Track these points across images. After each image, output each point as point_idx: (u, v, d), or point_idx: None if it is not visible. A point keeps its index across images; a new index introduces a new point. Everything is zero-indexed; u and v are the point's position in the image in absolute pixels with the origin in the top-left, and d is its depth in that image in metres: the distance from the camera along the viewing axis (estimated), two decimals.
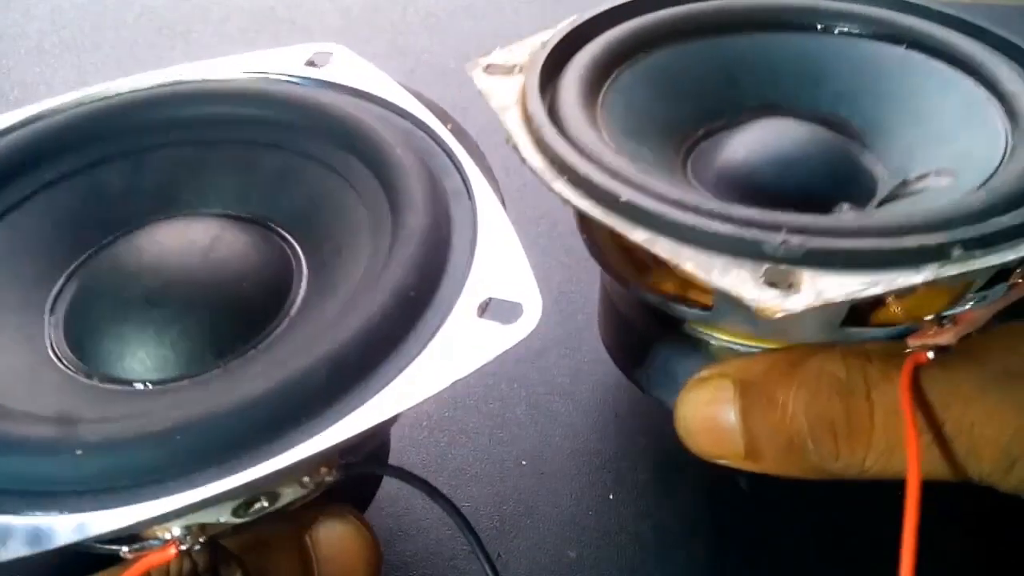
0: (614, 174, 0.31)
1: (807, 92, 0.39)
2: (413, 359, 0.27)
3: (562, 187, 0.31)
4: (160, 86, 0.37)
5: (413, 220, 0.30)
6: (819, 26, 0.40)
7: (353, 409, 0.25)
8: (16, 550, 0.23)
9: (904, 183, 0.35)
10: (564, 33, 0.38)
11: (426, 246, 0.29)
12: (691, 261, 0.28)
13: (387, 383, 0.26)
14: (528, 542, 0.37)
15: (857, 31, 0.39)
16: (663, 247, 0.29)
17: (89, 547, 0.27)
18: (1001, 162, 0.33)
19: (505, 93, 0.35)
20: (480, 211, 0.31)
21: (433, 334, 0.27)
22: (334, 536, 0.30)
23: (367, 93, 0.36)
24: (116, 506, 0.24)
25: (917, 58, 0.38)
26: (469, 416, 0.42)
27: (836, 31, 0.40)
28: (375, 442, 0.31)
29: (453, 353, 0.27)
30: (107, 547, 0.27)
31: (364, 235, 0.32)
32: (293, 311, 0.31)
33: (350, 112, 0.35)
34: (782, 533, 0.38)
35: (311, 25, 0.76)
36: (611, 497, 0.40)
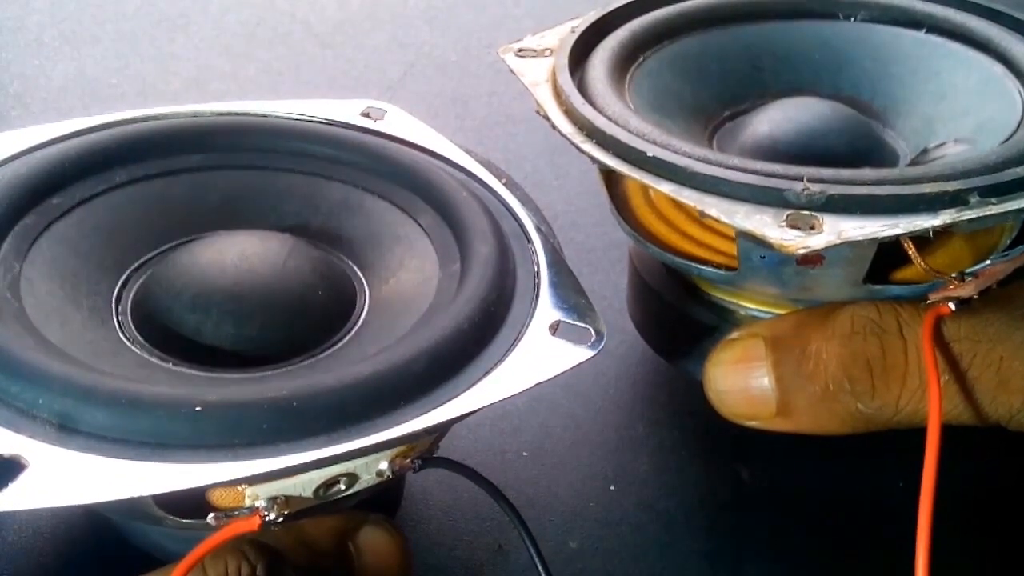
0: (640, 135, 0.32)
1: (829, 77, 0.40)
2: (496, 364, 0.29)
3: (591, 148, 0.32)
4: (228, 114, 0.39)
5: (484, 248, 0.32)
6: (840, 13, 0.41)
7: (449, 398, 0.28)
8: (125, 491, 0.25)
9: (924, 151, 0.36)
10: (592, 20, 0.39)
11: (499, 270, 0.32)
12: (715, 207, 0.29)
13: (475, 381, 0.28)
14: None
15: (877, 17, 0.41)
16: (688, 196, 0.30)
17: (176, 524, 0.28)
18: (1018, 127, 0.34)
19: (536, 72, 0.37)
20: (537, 250, 0.34)
21: (512, 345, 0.30)
22: (374, 543, 0.31)
23: (424, 147, 0.38)
24: (227, 461, 0.25)
25: (936, 41, 0.39)
26: None
27: (857, 18, 0.41)
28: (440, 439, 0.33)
29: (532, 361, 0.29)
30: (194, 521, 0.28)
31: (428, 263, 0.34)
32: (359, 324, 0.33)
33: (412, 155, 0.37)
34: (783, 524, 0.38)
35: (310, 19, 0.74)
36: (612, 488, 0.39)
